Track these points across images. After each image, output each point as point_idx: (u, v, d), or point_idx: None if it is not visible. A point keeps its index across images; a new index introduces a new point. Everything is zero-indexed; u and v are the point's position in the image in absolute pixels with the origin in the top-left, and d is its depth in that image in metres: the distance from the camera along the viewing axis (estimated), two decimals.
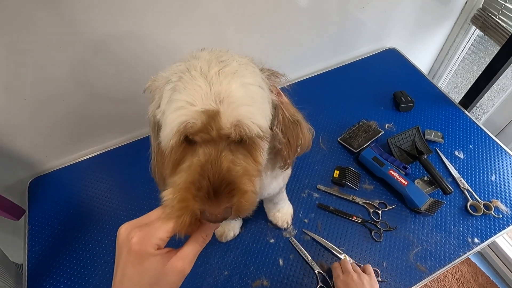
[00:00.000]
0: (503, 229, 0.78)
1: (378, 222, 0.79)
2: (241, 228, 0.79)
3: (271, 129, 0.43)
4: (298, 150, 0.50)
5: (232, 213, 0.35)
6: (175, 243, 0.37)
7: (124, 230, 0.35)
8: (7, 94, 0.74)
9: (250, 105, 0.36)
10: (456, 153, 0.92)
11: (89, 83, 0.82)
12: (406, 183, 0.80)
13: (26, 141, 0.86)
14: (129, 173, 0.91)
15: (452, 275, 1.41)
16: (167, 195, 0.36)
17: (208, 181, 0.34)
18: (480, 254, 1.46)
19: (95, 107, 0.88)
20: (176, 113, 0.35)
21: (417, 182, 0.85)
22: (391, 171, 0.83)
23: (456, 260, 0.74)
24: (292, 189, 0.86)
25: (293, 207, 0.82)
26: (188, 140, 0.37)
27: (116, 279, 0.34)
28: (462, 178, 0.86)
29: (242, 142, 0.37)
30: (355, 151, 0.90)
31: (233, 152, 0.37)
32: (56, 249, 0.80)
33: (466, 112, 1.02)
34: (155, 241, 0.33)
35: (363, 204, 0.83)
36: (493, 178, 0.87)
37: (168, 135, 0.36)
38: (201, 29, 0.83)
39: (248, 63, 0.40)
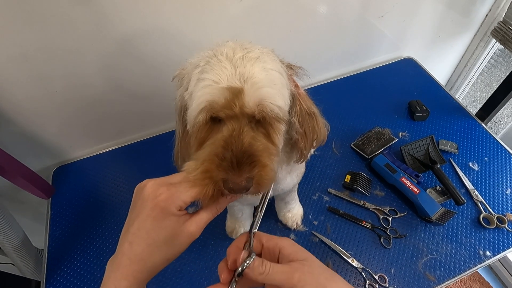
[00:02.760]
0: None
1: (388, 228, 0.80)
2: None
3: (289, 119, 0.45)
4: (314, 143, 0.52)
5: (253, 185, 0.37)
6: None
7: (151, 185, 0.36)
8: (41, 85, 0.79)
9: (271, 87, 0.39)
10: (471, 164, 0.91)
11: (114, 79, 0.86)
12: (417, 191, 0.81)
13: (53, 131, 0.91)
14: (147, 168, 0.95)
15: None
16: (190, 165, 0.38)
17: (231, 153, 0.36)
18: (494, 272, 1.42)
19: (118, 102, 0.93)
20: (203, 91, 0.38)
21: (429, 191, 0.85)
22: (403, 179, 0.83)
23: (467, 272, 0.73)
24: (303, 191, 0.87)
25: (303, 209, 0.83)
26: (213, 120, 0.40)
27: (130, 229, 0.36)
28: (475, 190, 0.85)
29: (262, 123, 0.40)
30: (367, 157, 0.91)
31: (254, 130, 0.40)
32: (75, 234, 0.84)
33: (483, 124, 1.01)
34: (179, 202, 0.35)
35: (373, 210, 0.83)
36: (508, 192, 0.85)
37: (195, 111, 0.39)
38: (221, 31, 0.87)
39: (269, 52, 0.44)
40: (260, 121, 0.40)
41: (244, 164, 0.36)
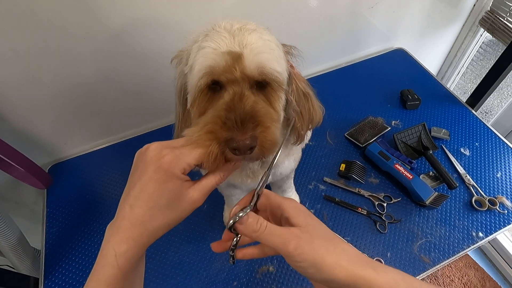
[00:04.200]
0: (508, 224, 0.79)
1: (383, 214, 0.81)
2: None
3: (286, 96, 0.46)
4: (310, 125, 0.53)
5: (257, 146, 0.37)
6: None
7: (154, 148, 0.35)
8: (32, 81, 0.78)
9: (270, 54, 0.40)
10: (462, 150, 0.93)
11: (108, 75, 0.86)
12: (411, 177, 0.82)
13: (47, 128, 0.91)
14: None
15: (459, 279, 1.40)
16: (191, 130, 0.38)
17: (234, 113, 0.37)
18: (487, 258, 1.45)
19: (112, 97, 0.92)
20: (203, 57, 0.39)
21: (422, 177, 0.86)
22: (397, 165, 0.84)
23: (460, 253, 0.75)
24: (299, 181, 0.88)
25: (300, 198, 0.84)
26: (213, 90, 0.41)
27: (131, 192, 0.34)
28: (467, 174, 0.87)
29: (262, 88, 0.41)
30: (361, 146, 0.92)
31: (255, 95, 0.41)
32: (72, 231, 0.84)
33: (473, 111, 1.03)
34: (183, 165, 0.34)
35: (369, 197, 0.84)
36: (498, 175, 0.87)
37: (196, 77, 0.39)
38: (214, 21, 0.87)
39: (265, 28, 0.45)
40: (261, 86, 0.41)
41: (248, 122, 0.37)
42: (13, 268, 0.83)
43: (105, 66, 0.84)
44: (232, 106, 0.38)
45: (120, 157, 0.99)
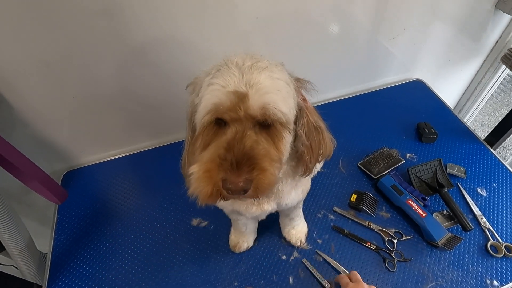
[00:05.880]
0: None
1: (393, 251, 0.79)
2: (254, 241, 0.81)
3: (295, 131, 0.47)
4: (320, 157, 0.53)
5: (252, 188, 0.38)
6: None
7: None
8: (58, 90, 0.81)
9: (275, 94, 0.41)
10: (479, 190, 0.90)
11: (127, 88, 0.88)
12: (424, 214, 0.80)
13: (66, 135, 0.93)
14: (154, 177, 0.96)
15: None
16: (193, 168, 0.40)
17: (232, 154, 0.38)
18: None
19: (130, 111, 0.95)
20: (211, 94, 0.40)
21: (436, 215, 0.84)
22: (410, 201, 0.82)
23: None
24: (308, 208, 0.87)
25: (308, 226, 0.83)
26: (219, 124, 0.42)
27: None
28: (483, 216, 0.84)
29: (266, 128, 0.42)
30: (374, 177, 0.91)
31: (257, 135, 0.41)
32: (79, 240, 0.84)
33: (492, 150, 1.00)
34: None
35: (379, 231, 0.82)
36: None
37: (202, 114, 0.41)
38: (235, 44, 0.88)
39: (278, 64, 0.46)
40: (265, 126, 0.42)
41: (244, 165, 0.38)
42: (5, 264, 0.84)
43: (125, 80, 0.86)
44: (232, 145, 0.39)
45: (134, 169, 1.00)
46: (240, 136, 0.40)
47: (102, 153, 1.03)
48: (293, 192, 0.60)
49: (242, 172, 0.38)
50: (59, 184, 0.89)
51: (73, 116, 0.89)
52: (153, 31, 0.78)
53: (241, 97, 0.39)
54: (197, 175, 0.39)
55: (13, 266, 0.85)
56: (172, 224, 0.85)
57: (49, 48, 0.73)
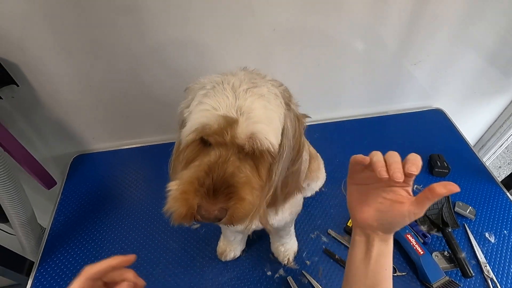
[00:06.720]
0: None
1: None
2: (242, 252, 0.80)
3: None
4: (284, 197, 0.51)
5: (226, 217, 0.38)
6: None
7: None
8: (79, 78, 0.86)
9: (266, 124, 0.39)
10: (487, 235, 0.84)
11: (143, 82, 0.91)
12: (422, 252, 0.76)
13: (80, 121, 0.97)
14: (159, 171, 0.98)
15: None
16: (172, 185, 0.40)
17: (211, 179, 0.37)
18: None
19: (143, 105, 0.97)
20: (200, 114, 0.39)
21: (435, 255, 0.79)
22: (409, 236, 0.79)
23: None
24: (302, 227, 0.85)
25: (298, 245, 0.81)
26: (204, 142, 0.41)
27: None
28: (487, 264, 0.79)
29: (251, 155, 0.41)
30: None
31: (241, 162, 0.40)
32: (77, 223, 0.87)
33: (508, 194, 0.94)
34: None
35: None
36: None
37: (187, 132, 0.40)
38: (252, 54, 0.89)
39: (278, 95, 0.43)
40: (249, 153, 0.40)
41: (221, 194, 0.37)
42: (10, 234, 0.88)
43: (142, 76, 0.89)
44: (213, 169, 0.38)
45: (141, 160, 1.03)
46: (223, 161, 0.38)
47: (113, 141, 1.07)
48: (280, 213, 0.58)
49: (217, 201, 0.37)
50: (48, 172, 0.93)
51: (91, 103, 0.93)
52: (173, 32, 0.80)
53: (230, 123, 0.38)
54: (174, 194, 0.39)
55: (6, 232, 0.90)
56: (165, 221, 0.86)
57: (73, 38, 0.76)
